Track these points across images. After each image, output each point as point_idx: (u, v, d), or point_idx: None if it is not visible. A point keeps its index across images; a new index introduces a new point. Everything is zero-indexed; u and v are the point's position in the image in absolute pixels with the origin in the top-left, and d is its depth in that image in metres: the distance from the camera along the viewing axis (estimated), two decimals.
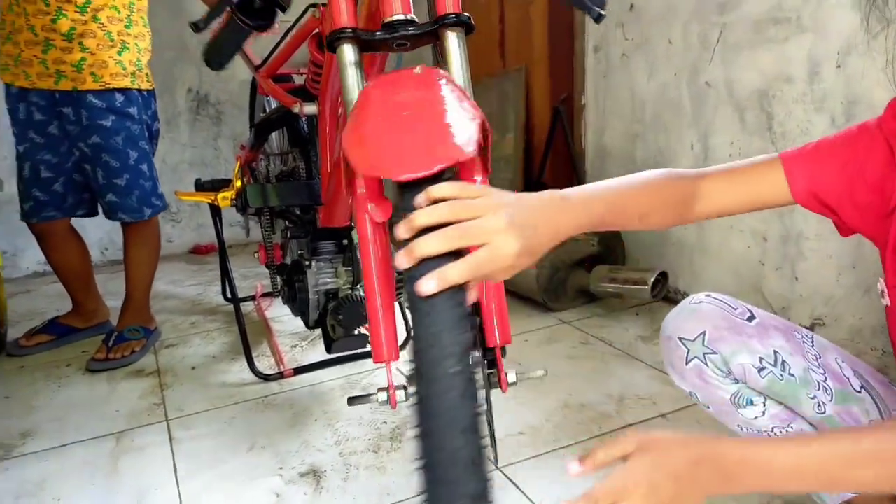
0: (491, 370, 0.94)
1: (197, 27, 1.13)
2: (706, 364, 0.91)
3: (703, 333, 0.90)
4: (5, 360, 2.10)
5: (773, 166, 0.84)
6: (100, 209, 2.08)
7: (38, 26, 1.84)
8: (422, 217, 0.61)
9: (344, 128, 0.71)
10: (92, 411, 1.74)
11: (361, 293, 1.61)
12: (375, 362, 0.81)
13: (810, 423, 0.93)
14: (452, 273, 0.59)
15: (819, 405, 0.89)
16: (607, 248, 2.38)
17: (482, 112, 0.71)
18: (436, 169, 0.63)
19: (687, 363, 0.92)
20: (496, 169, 3.23)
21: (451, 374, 0.58)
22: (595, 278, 2.23)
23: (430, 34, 0.83)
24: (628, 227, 0.83)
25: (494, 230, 0.61)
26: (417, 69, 0.74)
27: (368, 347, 1.57)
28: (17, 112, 1.94)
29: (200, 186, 2.17)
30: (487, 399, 0.96)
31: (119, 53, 1.92)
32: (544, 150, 2.83)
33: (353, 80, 0.83)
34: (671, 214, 0.84)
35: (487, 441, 0.67)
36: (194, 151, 3.45)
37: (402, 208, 0.64)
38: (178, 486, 1.40)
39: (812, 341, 0.93)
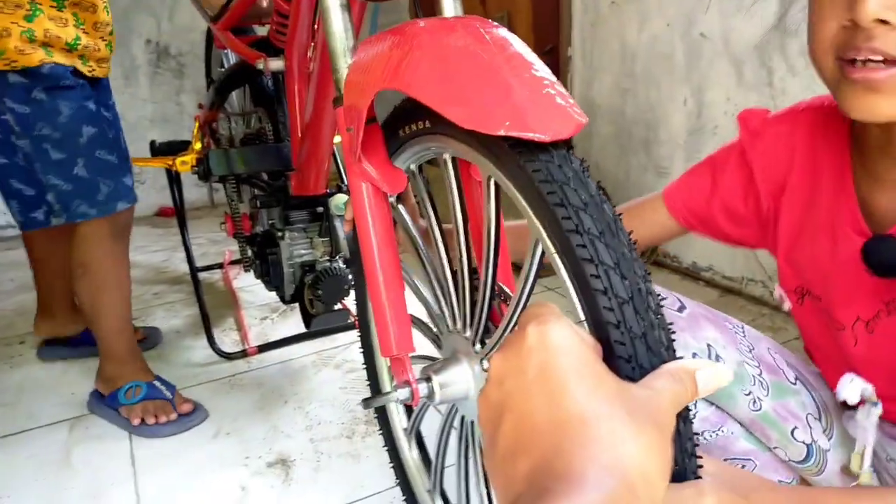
0: None
1: None
2: None
3: None
4: None
5: (656, 203, 0.89)
6: None
7: None
8: None
9: (395, 78, 0.57)
10: (45, 396, 1.61)
11: (341, 265, 1.49)
12: (384, 356, 0.72)
13: (741, 424, 0.84)
14: None
15: (755, 401, 0.80)
16: None
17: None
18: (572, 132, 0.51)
19: None
20: None
21: None
22: None
23: None
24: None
25: None
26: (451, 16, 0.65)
27: (351, 319, 1.50)
28: None
29: (156, 150, 1.98)
30: None
31: None
32: None
33: (339, 26, 0.70)
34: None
35: None
36: (155, 107, 3.24)
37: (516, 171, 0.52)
38: (135, 481, 1.29)
39: (744, 331, 0.85)
